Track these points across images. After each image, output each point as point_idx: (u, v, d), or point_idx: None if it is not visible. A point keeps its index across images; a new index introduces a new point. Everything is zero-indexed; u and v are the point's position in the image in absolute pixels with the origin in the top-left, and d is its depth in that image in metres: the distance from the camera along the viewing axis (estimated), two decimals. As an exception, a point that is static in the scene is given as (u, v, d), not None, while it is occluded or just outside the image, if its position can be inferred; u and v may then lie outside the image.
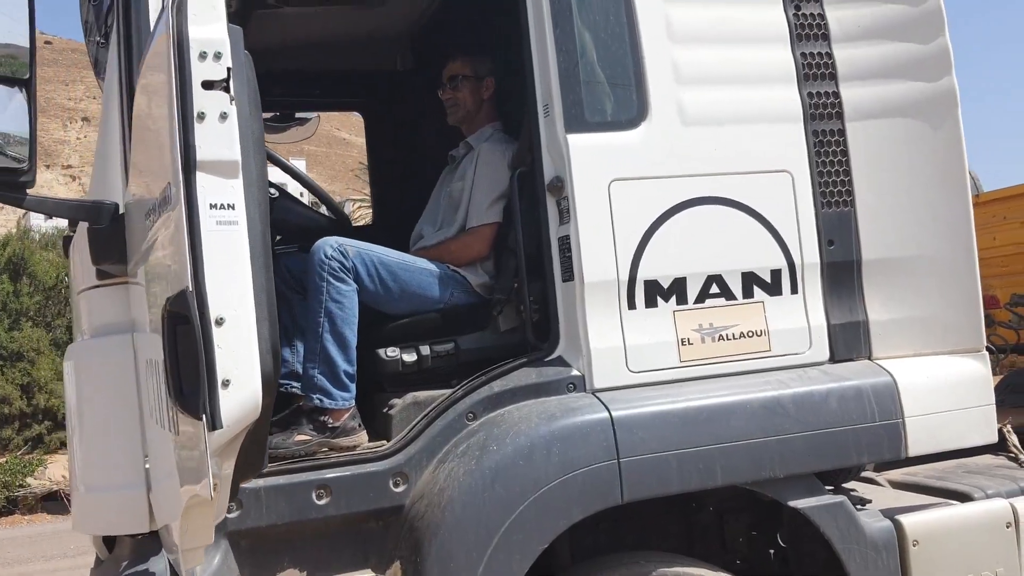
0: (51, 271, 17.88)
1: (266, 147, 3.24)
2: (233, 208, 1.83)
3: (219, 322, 1.81)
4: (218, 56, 1.89)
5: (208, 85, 1.88)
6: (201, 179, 1.82)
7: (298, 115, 5.06)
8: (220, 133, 1.87)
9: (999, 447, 3.93)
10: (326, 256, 2.97)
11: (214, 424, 1.80)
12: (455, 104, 3.58)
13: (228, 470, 1.96)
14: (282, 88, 4.81)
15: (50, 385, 15.74)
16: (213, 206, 1.81)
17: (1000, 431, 3.91)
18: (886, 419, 3.06)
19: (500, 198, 3.27)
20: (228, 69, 1.91)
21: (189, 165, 1.81)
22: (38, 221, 26.18)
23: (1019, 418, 4.57)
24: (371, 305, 3.09)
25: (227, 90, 1.89)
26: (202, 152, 1.84)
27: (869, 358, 3.20)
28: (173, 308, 1.84)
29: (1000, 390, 5.67)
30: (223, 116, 1.88)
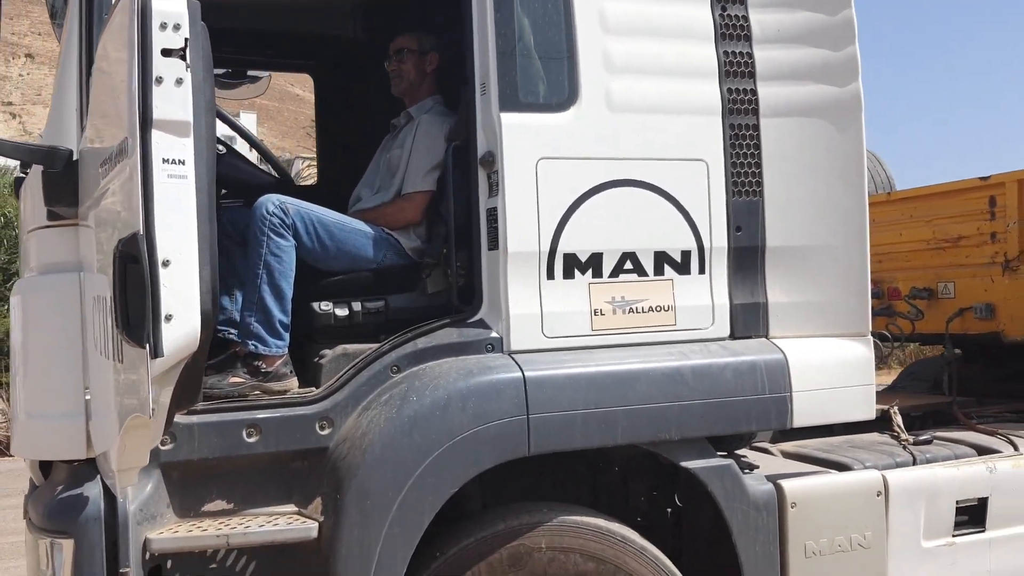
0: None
1: (216, 106, 3.41)
2: (183, 164, 2.02)
3: (165, 263, 2.01)
4: (177, 27, 2.08)
5: (167, 53, 2.06)
6: (156, 136, 2.01)
7: (250, 73, 5.17)
8: (175, 96, 2.06)
9: (885, 426, 4.29)
10: (267, 212, 3.16)
11: (156, 352, 2.00)
12: (399, 76, 3.78)
13: (165, 398, 2.16)
14: (234, 46, 4.92)
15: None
16: (166, 160, 2.00)
17: (887, 412, 4.28)
18: (775, 392, 3.36)
19: (435, 168, 3.48)
20: (186, 39, 2.10)
21: (146, 123, 2.00)
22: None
23: (914, 401, 4.95)
24: (308, 261, 3.29)
25: (184, 58, 2.07)
26: (158, 112, 2.03)
27: (766, 337, 3.48)
28: (125, 249, 2.03)
29: (903, 376, 6.09)
30: (179, 81, 2.07)
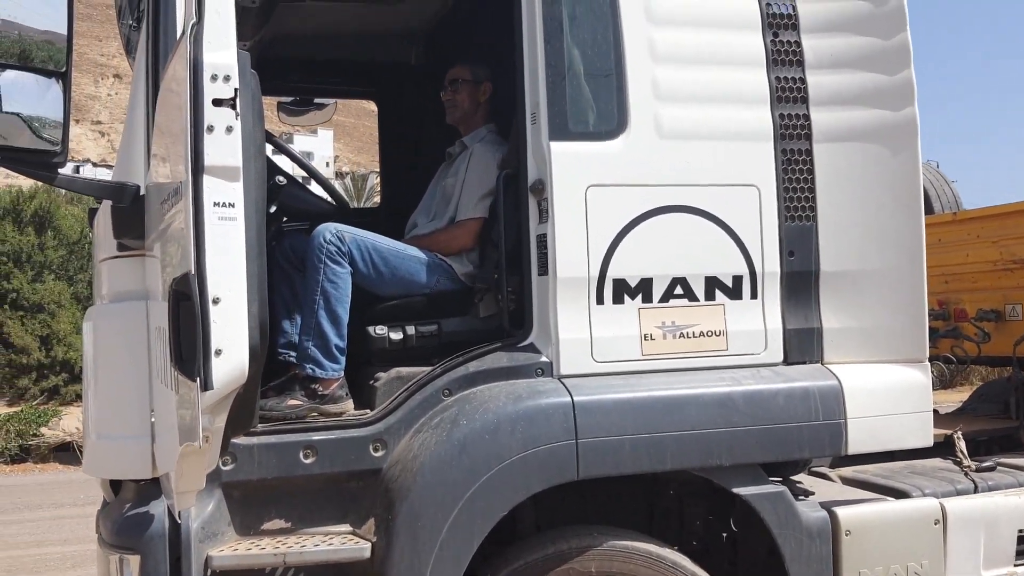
0: (76, 226, 18.24)
1: (280, 141, 3.57)
2: (233, 206, 2.14)
3: (215, 301, 2.13)
4: (227, 79, 2.20)
5: (217, 103, 2.19)
6: (207, 181, 2.13)
7: (316, 100, 5.35)
8: (225, 143, 2.18)
9: (949, 451, 4.21)
10: (324, 240, 3.27)
11: (206, 385, 2.11)
12: (454, 105, 3.88)
13: (219, 424, 2.27)
14: (302, 74, 5.12)
15: (69, 338, 16.14)
16: (216, 204, 2.12)
17: (951, 437, 4.20)
18: (830, 419, 3.33)
19: (487, 195, 3.56)
20: (235, 90, 2.22)
21: (198, 169, 2.12)
22: (66, 177, 26.55)
23: (979, 426, 4.83)
24: (364, 287, 3.39)
25: (234, 107, 2.19)
26: (209, 159, 2.15)
27: (820, 362, 3.46)
28: (177, 287, 2.15)
29: (973, 398, 5.93)
30: (229, 129, 2.19)
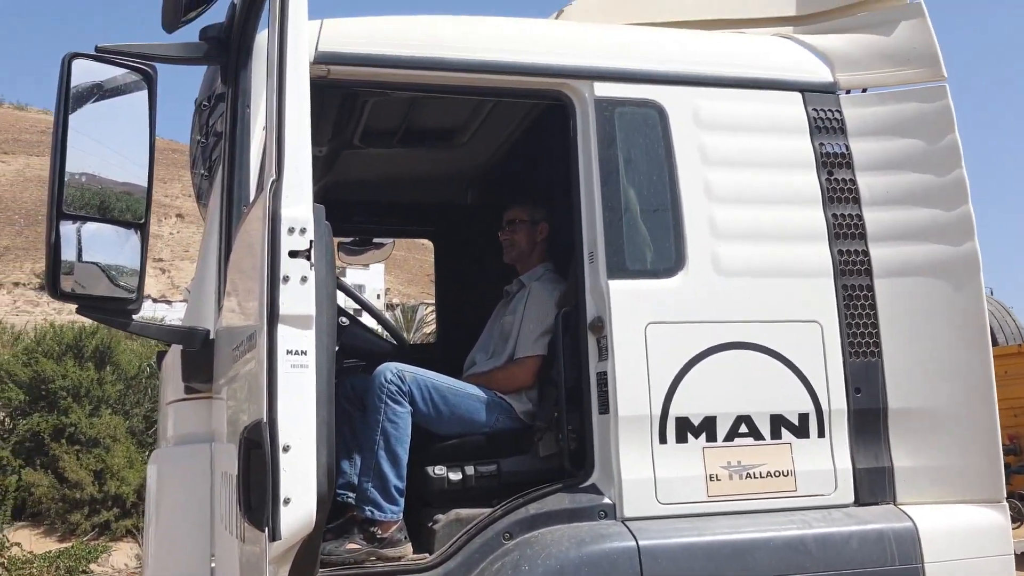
0: (134, 361, 18.57)
1: (345, 283, 3.66)
2: (305, 354, 2.17)
3: (286, 449, 2.13)
4: (303, 231, 2.28)
5: (294, 254, 2.25)
6: (282, 330, 2.17)
7: (375, 240, 5.51)
8: (300, 293, 2.23)
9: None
10: (385, 380, 3.29)
11: (274, 535, 2.09)
12: (511, 244, 3.96)
13: (283, 572, 2.24)
14: (362, 216, 5.28)
15: (122, 472, 16.17)
16: (289, 352, 2.15)
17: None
18: (906, 563, 3.18)
19: (546, 333, 3.58)
20: (311, 241, 2.29)
21: (273, 318, 2.17)
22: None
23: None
24: (423, 426, 3.39)
25: (308, 258, 2.26)
26: (284, 308, 2.20)
27: (893, 503, 3.34)
28: (249, 436, 2.17)
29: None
30: (303, 279, 2.24)
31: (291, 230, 2.25)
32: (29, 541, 15.58)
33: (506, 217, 3.99)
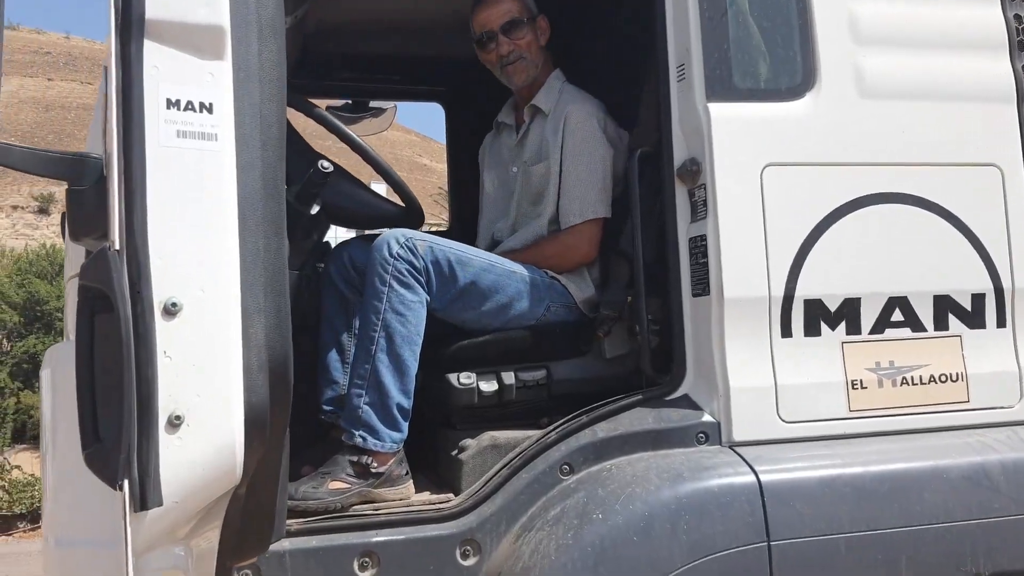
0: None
1: (327, 115, 2.63)
2: (210, 111, 1.14)
3: (170, 309, 1.12)
4: None
5: None
6: (152, 52, 1.12)
7: (372, 104, 4.46)
8: None
9: None
10: (390, 254, 2.30)
11: (144, 501, 1.09)
12: (521, 58, 2.75)
13: (206, 545, 1.28)
14: (355, 72, 4.23)
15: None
16: (172, 103, 1.12)
17: None
18: None
19: (605, 183, 2.58)
20: None
21: (129, 24, 1.11)
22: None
23: None
24: (447, 318, 2.42)
25: None
26: (154, 5, 1.13)
27: (1099, 418, 2.38)
28: (88, 281, 1.16)
29: None
30: None
31: None
32: (30, 464, 15.08)
33: (495, 22, 2.76)
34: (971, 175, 2.37)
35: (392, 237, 2.35)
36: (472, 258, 2.42)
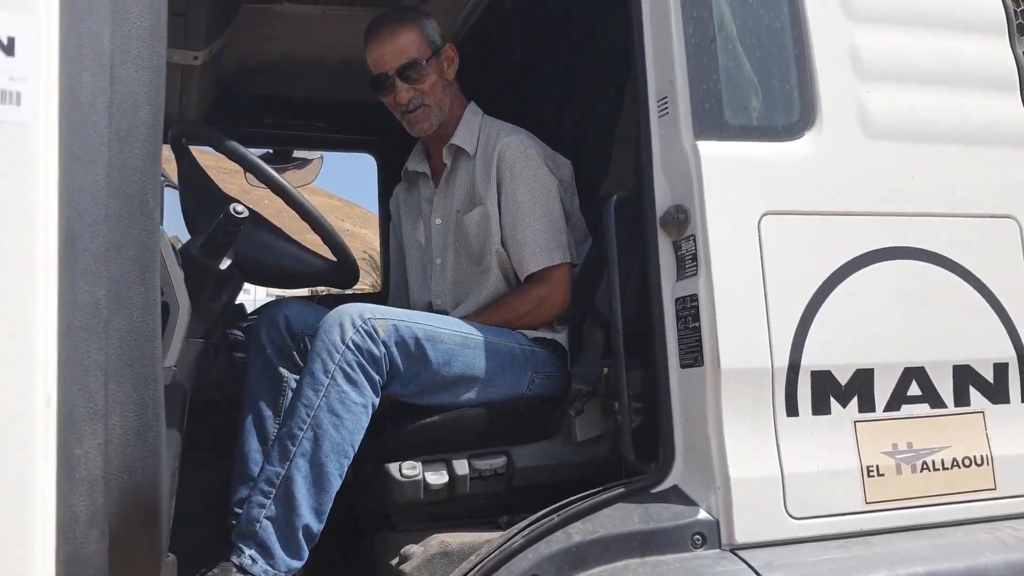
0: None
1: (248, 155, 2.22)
2: (10, 53, 0.72)
3: None
4: None
5: None
6: None
7: (297, 154, 4.07)
8: None
9: None
10: (342, 340, 1.88)
11: None
12: (423, 104, 2.38)
13: None
14: (276, 117, 3.86)
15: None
16: None
17: None
18: None
19: (561, 223, 2.24)
20: None
21: None
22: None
23: None
24: (414, 402, 2.01)
25: None
26: None
27: None
28: None
29: None
30: None
31: None
32: None
33: (389, 64, 2.37)
34: (987, 228, 2.09)
35: (347, 317, 1.94)
36: (442, 331, 2.02)
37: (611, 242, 2.01)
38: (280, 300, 2.27)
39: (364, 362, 1.90)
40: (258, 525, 1.80)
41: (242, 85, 3.63)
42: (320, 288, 2.78)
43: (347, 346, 1.89)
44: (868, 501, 1.90)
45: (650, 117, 1.97)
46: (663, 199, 1.94)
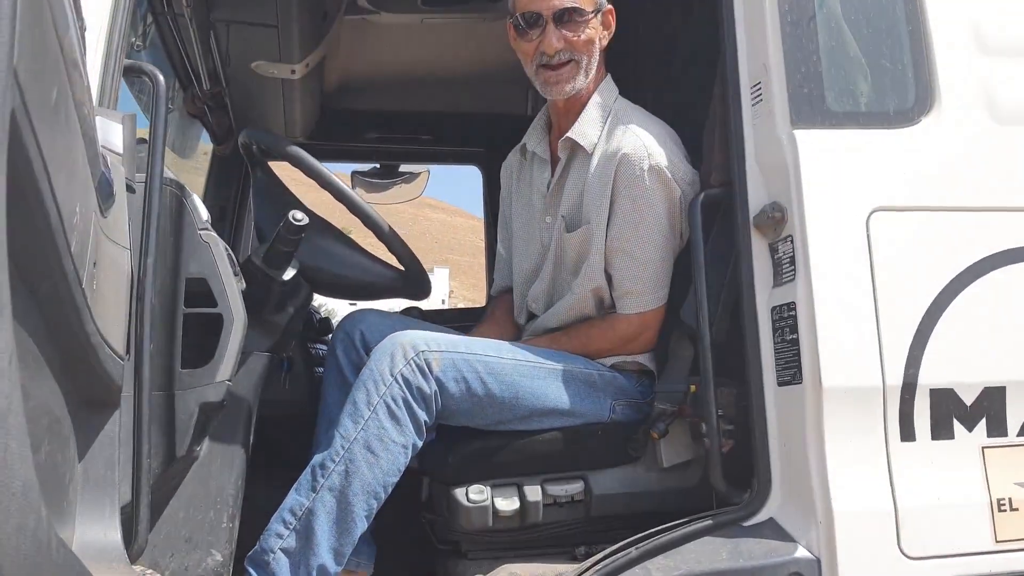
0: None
1: (319, 168, 2.14)
2: None
3: None
4: None
5: None
6: None
7: (403, 168, 4.03)
8: None
9: None
10: (391, 372, 1.76)
11: None
12: (572, 60, 2.02)
13: None
14: (381, 131, 3.82)
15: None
16: None
17: None
18: None
19: (671, 260, 2.00)
20: None
21: None
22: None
23: None
24: (475, 426, 1.88)
25: None
26: None
27: None
28: None
29: None
30: None
31: None
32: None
33: (549, 5, 2.00)
34: None
35: (399, 347, 1.80)
36: (505, 362, 1.86)
37: (698, 245, 1.82)
38: (357, 312, 2.18)
39: (411, 399, 1.77)
40: (272, 556, 1.69)
41: (345, 100, 3.61)
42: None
43: (395, 379, 1.76)
44: (998, 539, 1.65)
45: (741, 105, 1.78)
46: (757, 196, 1.75)
